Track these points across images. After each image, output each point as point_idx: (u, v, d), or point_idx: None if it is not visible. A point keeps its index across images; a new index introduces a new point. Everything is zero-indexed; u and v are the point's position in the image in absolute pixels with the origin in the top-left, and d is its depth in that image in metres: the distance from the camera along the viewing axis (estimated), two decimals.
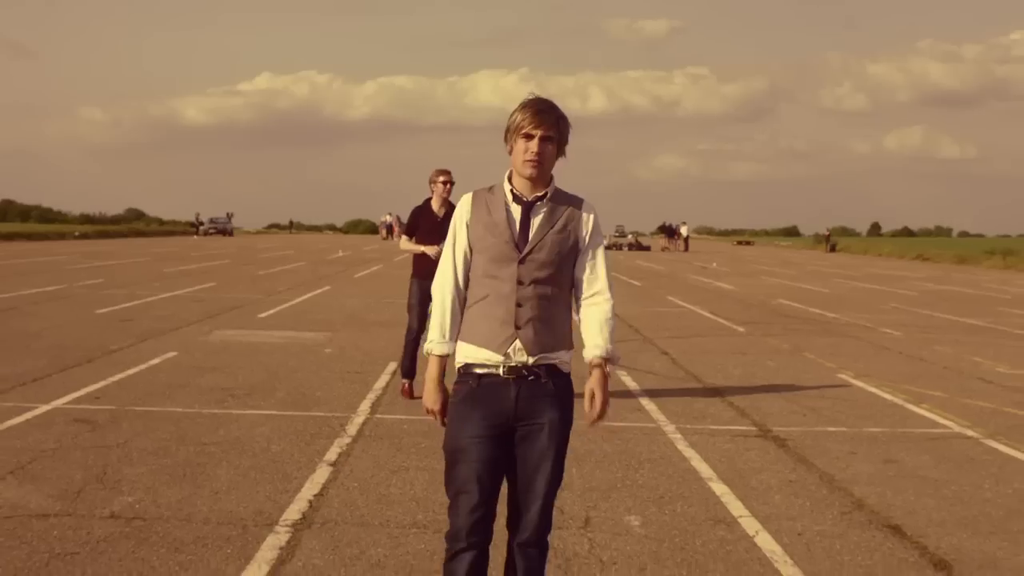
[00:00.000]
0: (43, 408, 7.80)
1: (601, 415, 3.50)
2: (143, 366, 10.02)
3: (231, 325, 13.92)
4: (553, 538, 4.60)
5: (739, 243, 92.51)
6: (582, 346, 3.48)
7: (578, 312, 3.54)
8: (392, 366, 10.27)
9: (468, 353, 3.42)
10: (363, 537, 4.95)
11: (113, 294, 18.40)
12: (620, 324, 15.49)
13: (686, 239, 63.83)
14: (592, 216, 3.51)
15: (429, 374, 3.47)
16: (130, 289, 19.69)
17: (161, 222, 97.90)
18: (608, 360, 3.48)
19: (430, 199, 8.78)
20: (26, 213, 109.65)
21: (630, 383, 9.93)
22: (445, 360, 3.46)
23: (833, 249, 69.07)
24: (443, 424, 3.44)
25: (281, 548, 4.75)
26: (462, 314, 3.46)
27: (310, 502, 5.51)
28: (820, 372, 11.17)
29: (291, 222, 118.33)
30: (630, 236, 67.23)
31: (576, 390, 3.49)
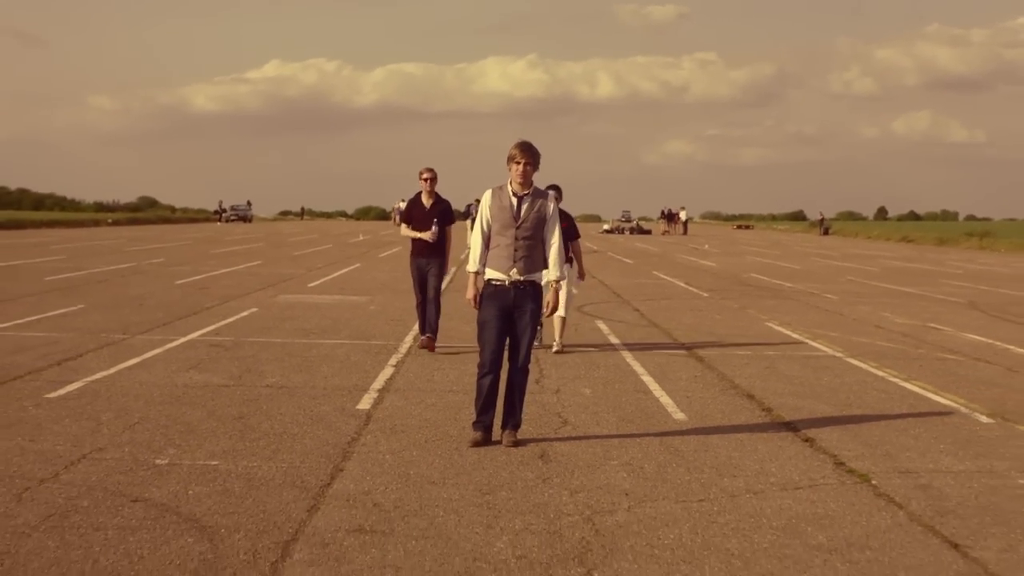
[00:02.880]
0: (183, 339, 11.12)
1: (553, 310, 6.81)
2: (236, 317, 13.33)
3: (289, 291, 17.26)
4: (533, 395, 7.87)
5: (738, 227, 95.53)
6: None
7: (546, 253, 6.81)
8: None
9: (490, 274, 6.68)
10: (421, 395, 8.27)
11: (179, 270, 21.75)
12: (604, 290, 18.87)
13: (685, 223, 66.96)
14: (552, 203, 6.78)
15: (470, 281, 6.75)
16: (191, 266, 23.04)
17: (184, 210, 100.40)
18: (559, 280, 6.79)
19: (420, 193, 10.85)
20: (40, 201, 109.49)
21: (603, 328, 13.19)
22: (477, 275, 6.74)
23: (826, 232, 72.14)
24: (476, 307, 6.73)
25: (375, 398, 8.06)
26: (487, 253, 6.72)
27: (385, 382, 8.82)
28: (753, 322, 14.45)
29: (302, 209, 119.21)
30: (635, 221, 70.45)
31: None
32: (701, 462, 6.35)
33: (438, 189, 10.97)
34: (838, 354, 11.37)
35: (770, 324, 14.17)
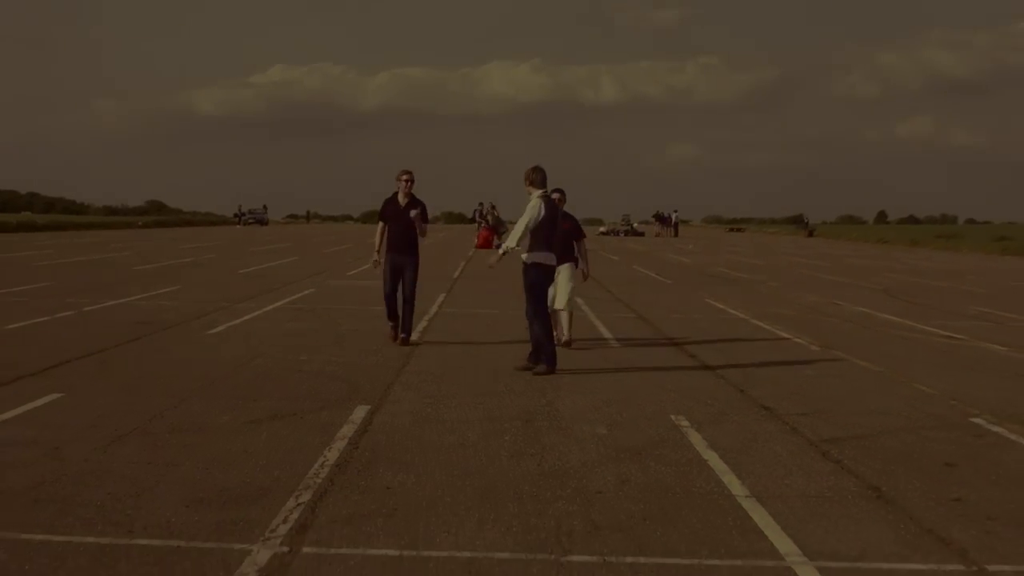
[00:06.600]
0: (272, 306, 15.47)
1: (585, 278, 11.18)
2: (301, 294, 17.67)
3: (334, 278, 21.63)
4: (522, 329, 12.16)
5: (731, 230, 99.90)
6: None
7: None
8: (442, 296, 17.87)
9: (538, 259, 10.83)
10: (449, 335, 12.60)
11: (234, 263, 26.11)
12: (588, 281, 23.08)
13: (676, 225, 71.31)
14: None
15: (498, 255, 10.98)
16: (241, 260, 27.41)
17: (196, 213, 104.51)
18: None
19: (397, 192, 11.56)
20: (50, 205, 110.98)
21: (579, 301, 17.47)
22: (505, 254, 10.98)
23: (811, 234, 76.44)
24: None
25: (419, 335, 12.38)
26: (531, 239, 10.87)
27: (423, 329, 13.14)
28: (696, 300, 18.78)
29: (308, 213, 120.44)
30: (632, 224, 74.64)
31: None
32: (616, 361, 10.71)
33: (416, 191, 11.54)
34: (746, 317, 15.70)
35: (709, 300, 18.50)
